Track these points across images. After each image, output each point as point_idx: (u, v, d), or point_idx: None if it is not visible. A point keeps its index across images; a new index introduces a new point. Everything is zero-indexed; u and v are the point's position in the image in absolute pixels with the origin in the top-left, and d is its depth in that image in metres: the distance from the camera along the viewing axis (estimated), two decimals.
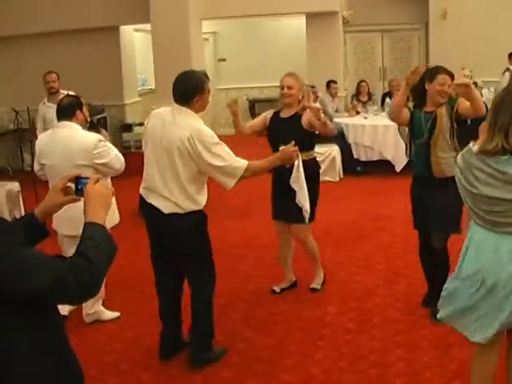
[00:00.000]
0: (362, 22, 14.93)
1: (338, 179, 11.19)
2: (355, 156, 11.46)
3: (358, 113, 12.25)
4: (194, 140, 4.43)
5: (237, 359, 4.90)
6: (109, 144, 5.49)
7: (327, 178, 10.93)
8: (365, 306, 5.81)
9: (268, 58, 16.09)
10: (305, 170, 5.41)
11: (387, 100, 12.10)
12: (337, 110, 12.36)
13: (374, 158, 11.40)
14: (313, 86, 11.80)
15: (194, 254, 4.73)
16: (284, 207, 5.87)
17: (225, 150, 4.51)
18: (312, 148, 6.01)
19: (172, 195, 4.58)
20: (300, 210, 5.54)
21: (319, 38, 12.85)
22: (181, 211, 4.58)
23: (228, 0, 11.91)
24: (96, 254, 2.23)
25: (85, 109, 5.60)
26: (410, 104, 5.41)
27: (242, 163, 4.53)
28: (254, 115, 17.18)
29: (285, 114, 5.93)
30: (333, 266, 6.83)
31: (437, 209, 5.21)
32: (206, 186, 4.74)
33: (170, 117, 4.61)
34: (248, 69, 16.55)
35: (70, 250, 5.01)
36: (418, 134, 5.31)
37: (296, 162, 5.08)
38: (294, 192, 5.43)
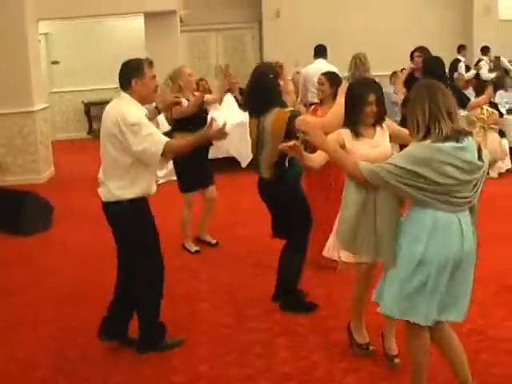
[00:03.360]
0: (196, 21, 15.00)
1: None
2: None
3: None
4: (120, 123, 4.43)
5: (126, 364, 4.75)
6: None
7: (173, 178, 10.88)
8: (237, 299, 5.84)
9: (105, 59, 15.76)
10: None
11: (228, 96, 12.26)
12: None
13: (220, 156, 11.45)
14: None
15: (128, 244, 4.76)
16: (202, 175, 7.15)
17: (147, 132, 4.43)
18: None
19: (108, 182, 4.60)
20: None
21: (158, 37, 12.79)
22: (113, 199, 4.59)
23: (65, 0, 11.56)
24: None
25: None
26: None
27: (158, 147, 4.41)
28: (90, 119, 16.83)
29: None
30: (199, 263, 6.85)
31: None
32: (149, 175, 4.65)
33: (111, 104, 4.66)
34: (84, 71, 16.17)
35: None
36: None
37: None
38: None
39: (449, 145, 3.51)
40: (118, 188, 4.57)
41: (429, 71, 7.26)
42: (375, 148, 4.32)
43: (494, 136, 10.23)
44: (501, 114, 10.68)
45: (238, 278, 6.38)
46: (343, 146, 4.27)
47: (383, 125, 4.47)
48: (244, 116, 10.27)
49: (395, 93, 10.78)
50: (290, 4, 15.23)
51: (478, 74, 14.58)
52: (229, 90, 12.79)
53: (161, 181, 10.77)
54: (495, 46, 15.84)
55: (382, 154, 4.19)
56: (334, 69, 9.50)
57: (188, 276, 6.46)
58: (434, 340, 3.87)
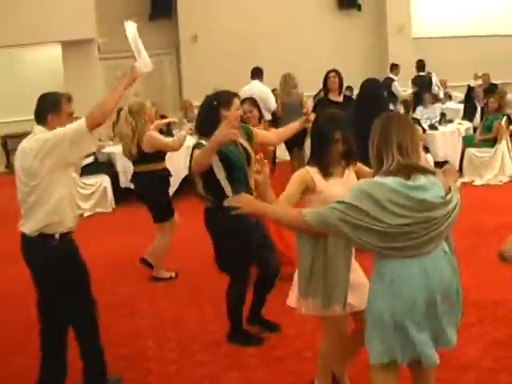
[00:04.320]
0: (113, 48, 14.74)
1: (110, 210, 10.94)
2: (123, 185, 11.20)
3: None
4: (46, 146, 4.20)
5: None
6: None
7: (99, 210, 10.72)
8: (181, 333, 5.69)
9: (23, 89, 15.33)
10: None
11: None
12: (100, 140, 12.17)
13: None
14: None
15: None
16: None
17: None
18: None
19: (34, 215, 4.31)
20: None
21: (76, 66, 12.55)
22: (38, 232, 4.31)
23: None
24: None
25: None
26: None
27: (81, 122, 4.20)
28: (7, 152, 16.29)
29: None
30: (135, 297, 6.65)
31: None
32: (66, 208, 4.37)
33: (25, 141, 4.41)
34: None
35: None
36: (238, 167, 5.06)
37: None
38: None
39: (395, 181, 3.22)
40: (44, 216, 4.29)
41: (366, 94, 7.23)
42: (347, 187, 3.85)
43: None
44: (423, 130, 10.88)
45: (177, 310, 6.22)
46: (313, 186, 4.03)
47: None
48: None
49: None
50: (207, 28, 15.22)
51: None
52: None
53: (87, 213, 10.55)
54: (409, 64, 16.23)
55: None
56: (267, 89, 11.51)
57: (127, 312, 6.25)
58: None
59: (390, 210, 3.18)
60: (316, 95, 11.85)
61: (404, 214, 3.18)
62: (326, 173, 4.07)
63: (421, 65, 15.31)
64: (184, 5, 15.22)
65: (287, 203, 3.93)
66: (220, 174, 5.00)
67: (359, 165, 4.27)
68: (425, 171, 3.30)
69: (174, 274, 7.20)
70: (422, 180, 3.25)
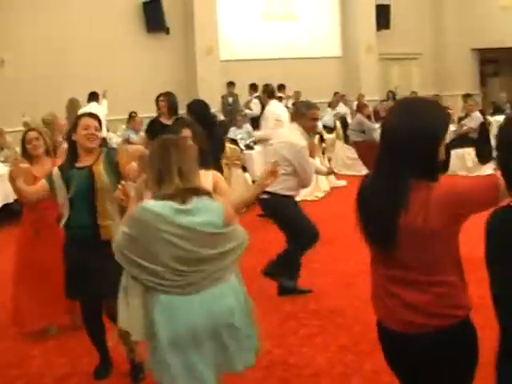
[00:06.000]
0: None
1: None
2: None
3: None
4: None
5: None
6: None
7: None
8: (27, 370, 5.38)
9: None
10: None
11: None
12: None
13: None
14: None
15: None
16: None
17: None
18: None
19: None
20: None
21: None
22: None
23: None
24: None
25: None
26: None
27: None
28: None
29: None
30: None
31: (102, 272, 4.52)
32: None
33: None
34: None
35: None
36: (77, 195, 4.68)
37: None
38: None
39: (165, 205, 3.23)
40: None
41: (194, 114, 7.48)
42: None
43: (238, 172, 10.69)
44: (241, 150, 11.18)
45: (16, 349, 5.86)
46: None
47: (210, 172, 4.05)
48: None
49: None
50: (14, 52, 14.66)
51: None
52: None
53: None
54: (218, 84, 16.62)
55: None
56: (103, 110, 12.51)
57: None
58: None
59: (163, 239, 3.18)
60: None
61: (178, 244, 3.20)
62: None
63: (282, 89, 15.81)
64: None
65: None
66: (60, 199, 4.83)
67: (222, 183, 4.10)
68: (201, 193, 3.35)
69: None
70: (194, 204, 3.28)
